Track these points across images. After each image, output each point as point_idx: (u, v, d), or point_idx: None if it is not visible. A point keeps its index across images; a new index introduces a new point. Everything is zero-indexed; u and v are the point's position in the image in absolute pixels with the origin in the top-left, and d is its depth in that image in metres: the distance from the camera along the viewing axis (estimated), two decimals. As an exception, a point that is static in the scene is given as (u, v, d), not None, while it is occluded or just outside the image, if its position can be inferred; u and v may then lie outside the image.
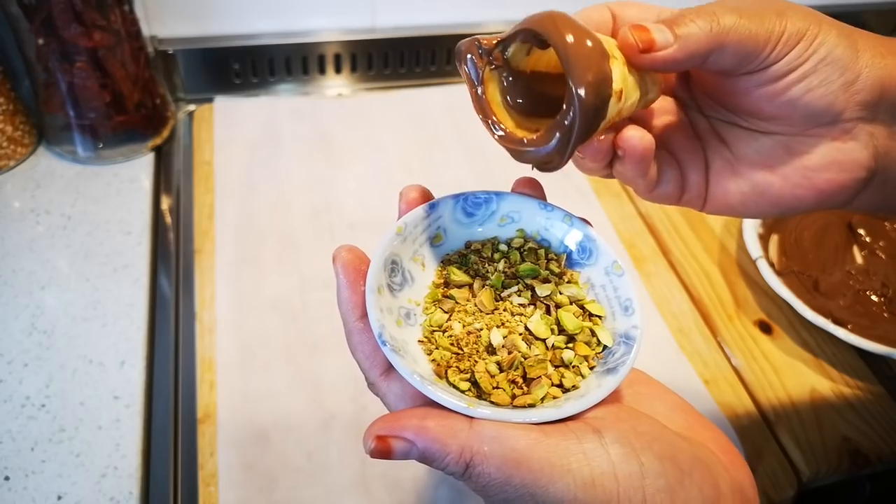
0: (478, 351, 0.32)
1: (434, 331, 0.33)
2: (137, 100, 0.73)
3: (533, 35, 0.30)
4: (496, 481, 0.27)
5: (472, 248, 0.37)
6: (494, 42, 0.32)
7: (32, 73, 0.69)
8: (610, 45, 0.31)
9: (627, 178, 0.35)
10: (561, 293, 0.34)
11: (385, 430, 0.28)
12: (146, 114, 0.75)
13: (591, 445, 0.27)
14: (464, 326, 0.33)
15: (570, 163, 0.33)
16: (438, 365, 0.31)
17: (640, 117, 0.37)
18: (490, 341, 0.32)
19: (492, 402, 0.30)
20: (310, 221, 0.71)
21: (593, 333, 0.33)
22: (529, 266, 0.35)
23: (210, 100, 0.85)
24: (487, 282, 0.35)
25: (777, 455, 0.57)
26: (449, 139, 0.83)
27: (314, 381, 0.58)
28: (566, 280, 0.35)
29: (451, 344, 0.32)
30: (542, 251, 0.36)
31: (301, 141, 0.81)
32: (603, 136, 0.33)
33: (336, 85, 0.90)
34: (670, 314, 0.67)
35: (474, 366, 0.31)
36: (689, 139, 0.38)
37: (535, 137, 0.31)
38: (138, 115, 0.74)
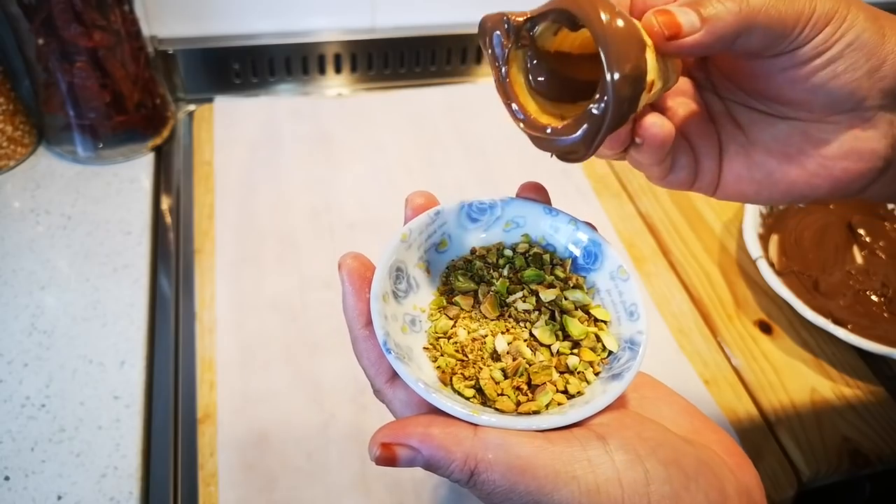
0: (482, 358, 0.32)
1: (439, 337, 0.33)
2: (137, 100, 0.73)
3: (567, 16, 0.29)
4: (501, 489, 0.27)
5: (476, 253, 0.36)
6: (522, 20, 0.30)
7: (32, 73, 0.69)
8: (641, 29, 0.29)
9: (643, 165, 0.34)
10: (566, 298, 0.34)
11: (390, 437, 0.28)
12: (146, 114, 0.75)
13: (596, 452, 0.27)
14: (469, 333, 0.33)
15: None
16: (443, 372, 0.31)
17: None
18: (495, 348, 0.32)
19: (496, 409, 0.30)
20: (310, 221, 0.71)
21: (598, 339, 0.33)
22: (534, 272, 0.35)
23: (210, 100, 0.84)
24: (492, 288, 0.35)
25: (777, 455, 0.57)
26: (449, 139, 0.83)
27: (314, 381, 0.58)
28: (571, 285, 0.35)
29: (456, 351, 0.32)
30: (547, 256, 0.36)
31: (301, 141, 0.80)
32: None
33: (336, 85, 0.90)
34: (670, 314, 0.67)
35: (479, 372, 0.31)
36: (704, 122, 0.36)
37: (559, 126, 0.30)
38: (138, 115, 0.74)
